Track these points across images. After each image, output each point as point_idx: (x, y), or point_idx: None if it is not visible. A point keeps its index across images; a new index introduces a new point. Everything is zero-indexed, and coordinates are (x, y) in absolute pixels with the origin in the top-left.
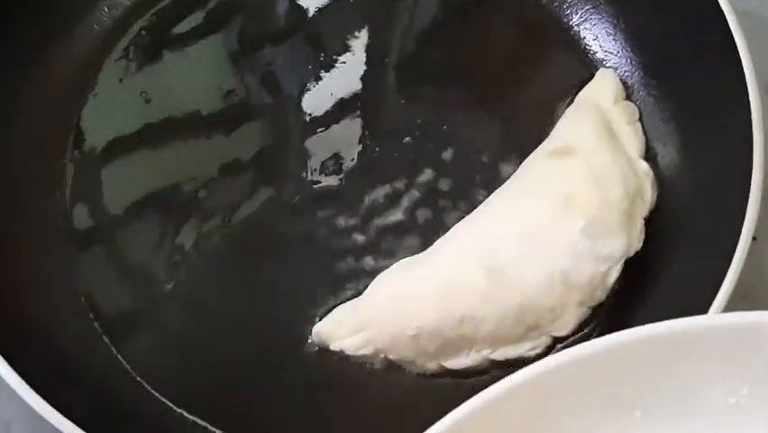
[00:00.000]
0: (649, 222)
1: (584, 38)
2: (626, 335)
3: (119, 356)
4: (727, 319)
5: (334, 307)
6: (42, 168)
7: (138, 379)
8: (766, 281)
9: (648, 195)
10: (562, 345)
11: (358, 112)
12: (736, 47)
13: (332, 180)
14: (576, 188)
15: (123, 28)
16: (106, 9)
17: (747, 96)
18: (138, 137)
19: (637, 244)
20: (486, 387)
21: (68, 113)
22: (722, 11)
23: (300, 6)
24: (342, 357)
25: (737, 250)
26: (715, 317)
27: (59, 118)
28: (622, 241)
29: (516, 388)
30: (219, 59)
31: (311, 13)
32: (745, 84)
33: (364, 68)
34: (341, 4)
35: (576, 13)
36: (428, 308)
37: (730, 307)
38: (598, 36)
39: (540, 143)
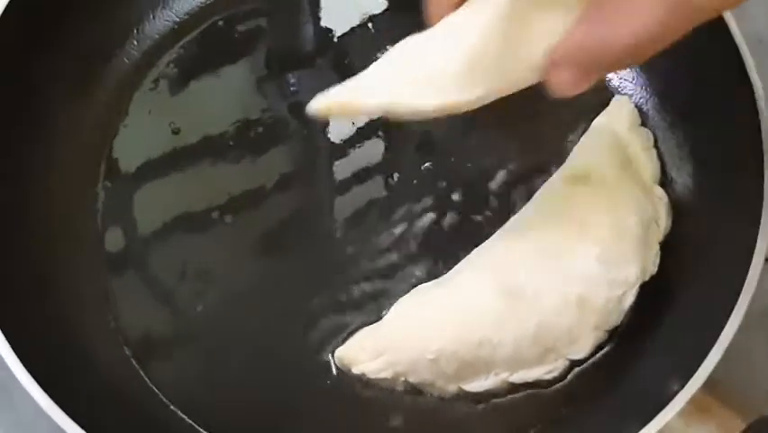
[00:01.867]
0: (665, 246)
1: None
2: None
3: (147, 379)
4: None
5: (356, 331)
6: (77, 196)
7: (165, 401)
8: None
9: (663, 220)
10: (579, 368)
11: (381, 135)
12: (747, 75)
13: (356, 204)
14: (591, 215)
15: (151, 61)
16: (135, 43)
17: (759, 123)
18: (167, 165)
19: (653, 268)
20: (505, 410)
21: (100, 143)
22: (734, 40)
23: (326, 30)
24: (363, 381)
25: (750, 272)
26: None
27: (92, 148)
28: (636, 266)
29: None
30: (245, 86)
31: (336, 37)
32: (757, 110)
33: None
34: (366, 28)
35: None
36: (447, 332)
37: (751, 326)
38: None
39: (557, 169)
